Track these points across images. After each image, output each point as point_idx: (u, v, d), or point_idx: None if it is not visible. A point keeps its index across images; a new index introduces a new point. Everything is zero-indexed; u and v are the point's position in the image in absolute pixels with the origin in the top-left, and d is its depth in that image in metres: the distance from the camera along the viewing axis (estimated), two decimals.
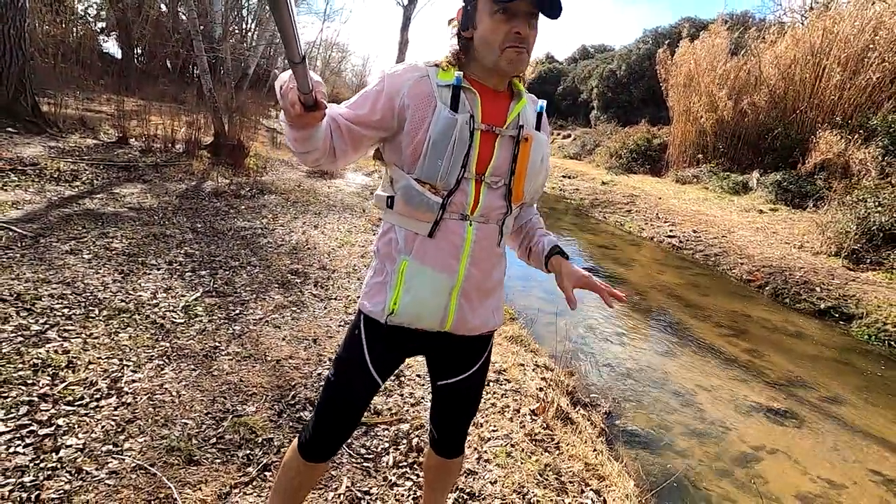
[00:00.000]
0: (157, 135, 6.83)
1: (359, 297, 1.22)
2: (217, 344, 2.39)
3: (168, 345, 2.28)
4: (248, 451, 1.71)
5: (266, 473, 1.63)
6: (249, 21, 19.44)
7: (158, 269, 3.11)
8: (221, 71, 7.80)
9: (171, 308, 2.65)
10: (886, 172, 8.67)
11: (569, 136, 25.95)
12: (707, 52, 14.60)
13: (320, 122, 0.92)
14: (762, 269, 6.74)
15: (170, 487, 1.47)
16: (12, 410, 1.65)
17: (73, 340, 2.13)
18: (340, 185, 7.76)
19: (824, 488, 2.62)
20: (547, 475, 1.87)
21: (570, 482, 1.89)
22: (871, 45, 10.89)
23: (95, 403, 1.78)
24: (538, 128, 1.15)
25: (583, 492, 1.85)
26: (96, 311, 2.43)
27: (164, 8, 16.15)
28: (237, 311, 2.78)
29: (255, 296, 3.03)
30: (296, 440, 1.21)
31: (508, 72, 1.07)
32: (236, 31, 17.31)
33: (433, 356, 1.21)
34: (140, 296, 2.70)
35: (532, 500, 1.71)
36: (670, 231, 8.90)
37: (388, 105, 1.04)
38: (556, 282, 1.16)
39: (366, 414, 2.02)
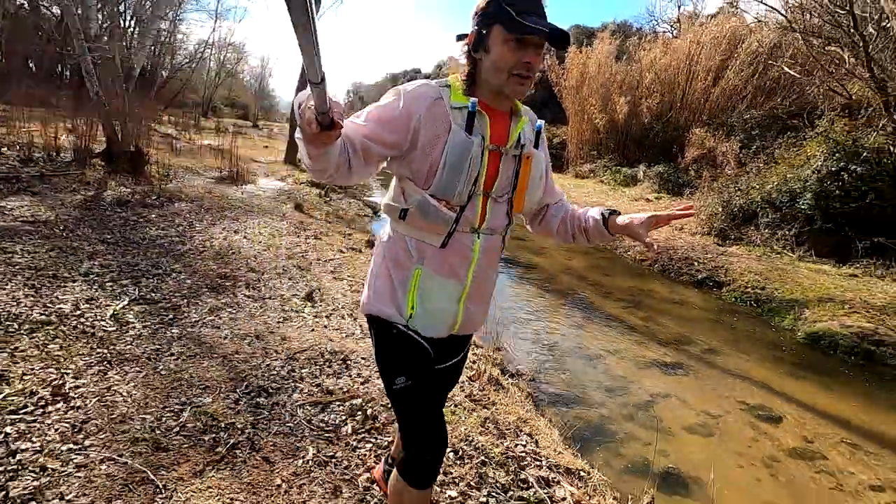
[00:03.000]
0: (34, 143, 6.21)
1: (361, 302, 1.26)
2: (158, 346, 2.39)
3: (105, 351, 2.25)
4: (213, 435, 1.80)
5: (235, 451, 1.74)
6: (128, 18, 17.92)
7: (74, 282, 2.97)
8: (100, 72, 7.19)
9: (99, 318, 2.58)
10: (743, 162, 10.24)
11: None
12: (596, 58, 16.11)
13: (336, 141, 0.94)
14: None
15: (144, 471, 1.54)
16: None
17: None
18: (253, 191, 7.57)
19: (706, 419, 3.21)
20: (487, 426, 2.17)
21: (507, 430, 2.21)
22: (731, 56, 12.80)
23: (42, 410, 1.77)
24: (536, 145, 1.23)
25: (518, 436, 2.18)
26: (15, 326, 2.32)
27: (22, 1, 14.40)
28: (171, 317, 2.77)
29: (186, 301, 3.02)
30: (394, 476, 1.20)
31: (510, 97, 1.14)
32: (118, 29, 15.89)
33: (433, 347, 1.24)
34: (60, 308, 2.60)
35: (477, 445, 2.00)
36: None
37: (405, 125, 1.09)
38: (630, 238, 1.22)
39: (319, 394, 2.19)
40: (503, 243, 1.25)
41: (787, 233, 7.67)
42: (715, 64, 13.06)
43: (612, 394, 3.41)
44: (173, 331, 2.60)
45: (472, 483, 1.80)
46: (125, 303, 2.82)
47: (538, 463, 2.03)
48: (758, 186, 8.50)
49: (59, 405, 1.81)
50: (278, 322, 2.98)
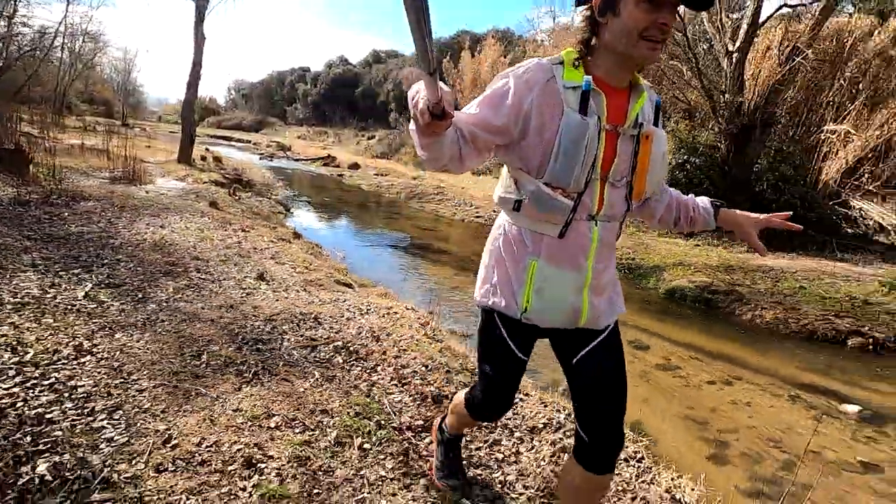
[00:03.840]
0: None
1: (474, 294, 1.30)
2: (146, 316, 2.69)
3: (100, 321, 2.52)
4: (235, 368, 2.24)
5: (259, 376, 2.20)
6: None
7: (24, 272, 3.06)
8: None
9: (73, 298, 2.77)
10: None
11: (373, 136, 27.38)
12: (486, 62, 17.52)
13: (448, 131, 0.95)
14: None
15: (197, 388, 1.96)
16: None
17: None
18: (156, 190, 7.39)
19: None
20: (444, 351, 2.84)
21: (457, 355, 2.89)
22: None
23: (76, 361, 2.06)
24: (656, 122, 1.17)
25: (468, 358, 2.87)
26: None
27: None
28: (141, 296, 3.02)
29: (147, 284, 3.25)
30: (462, 396, 1.47)
31: (639, 63, 1.08)
32: None
33: (560, 337, 1.24)
34: (29, 292, 2.74)
35: (439, 363, 2.65)
36: (476, 213, 10.79)
37: (516, 109, 1.07)
38: (737, 234, 1.26)
39: (304, 341, 2.68)
40: (620, 230, 1.22)
41: None
42: None
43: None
44: (150, 306, 2.88)
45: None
46: (89, 287, 3.00)
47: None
48: None
49: (86, 358, 2.12)
50: (243, 296, 3.34)
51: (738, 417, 3.29)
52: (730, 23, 8.93)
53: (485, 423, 2.05)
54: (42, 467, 1.40)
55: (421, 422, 2.05)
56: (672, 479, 2.01)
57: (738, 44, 8.40)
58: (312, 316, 3.10)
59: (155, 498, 1.38)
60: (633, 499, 1.82)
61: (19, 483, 1.34)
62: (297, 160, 20.14)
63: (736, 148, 8.91)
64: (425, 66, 0.75)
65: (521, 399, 2.42)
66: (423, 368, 2.55)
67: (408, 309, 3.93)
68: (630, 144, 1.11)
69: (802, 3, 8.69)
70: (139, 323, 2.58)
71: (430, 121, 0.87)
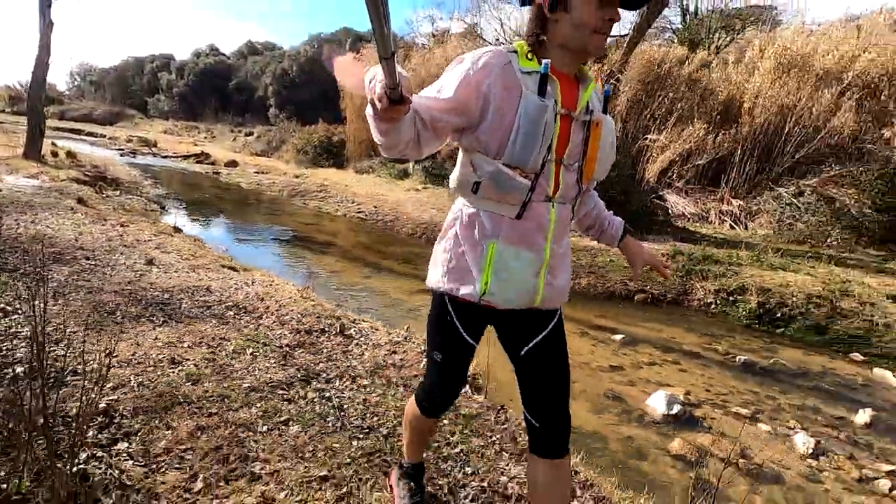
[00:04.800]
0: None
1: (427, 278, 1.34)
2: (54, 290, 3.21)
3: (12, 293, 3.01)
4: (146, 319, 2.93)
5: (169, 320, 2.92)
6: None
7: None
8: None
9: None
10: None
11: (251, 133, 26.63)
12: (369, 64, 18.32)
13: (406, 116, 0.97)
14: (420, 226, 10.09)
15: (121, 330, 2.65)
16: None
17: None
18: (9, 189, 7.16)
19: None
20: (317, 306, 3.73)
21: (327, 309, 3.80)
22: None
23: (7, 319, 2.62)
24: (605, 111, 1.24)
25: (335, 311, 3.79)
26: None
27: None
28: (39, 277, 3.47)
29: (41, 268, 3.67)
30: (411, 400, 1.52)
31: (591, 55, 1.16)
32: None
33: (509, 326, 1.30)
34: None
35: (312, 312, 3.54)
36: (358, 209, 11.64)
37: (475, 92, 1.11)
38: (628, 260, 1.44)
39: (200, 302, 3.41)
40: (572, 213, 1.29)
41: None
42: None
43: (393, 308, 5.30)
44: (53, 284, 3.37)
45: None
46: None
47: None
48: None
49: (13, 317, 2.67)
50: (138, 276, 3.91)
51: None
52: None
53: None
54: (19, 369, 2.07)
55: (296, 343, 2.95)
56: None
57: None
58: (204, 287, 3.80)
59: (114, 379, 2.13)
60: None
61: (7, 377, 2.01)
62: (165, 157, 19.14)
63: None
64: (383, 51, 0.75)
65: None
66: (299, 315, 3.44)
67: (288, 283, 4.75)
68: (581, 131, 1.20)
69: (620, 36, 10.85)
70: (48, 295, 3.11)
71: (388, 106, 0.90)
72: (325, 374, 2.60)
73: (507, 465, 2.03)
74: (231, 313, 3.33)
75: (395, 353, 3.05)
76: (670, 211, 11.89)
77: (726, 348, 4.98)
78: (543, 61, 1.13)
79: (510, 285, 1.20)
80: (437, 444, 2.11)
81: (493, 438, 2.22)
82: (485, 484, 1.88)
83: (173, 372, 2.31)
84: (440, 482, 1.87)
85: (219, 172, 16.23)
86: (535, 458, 1.31)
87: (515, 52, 1.17)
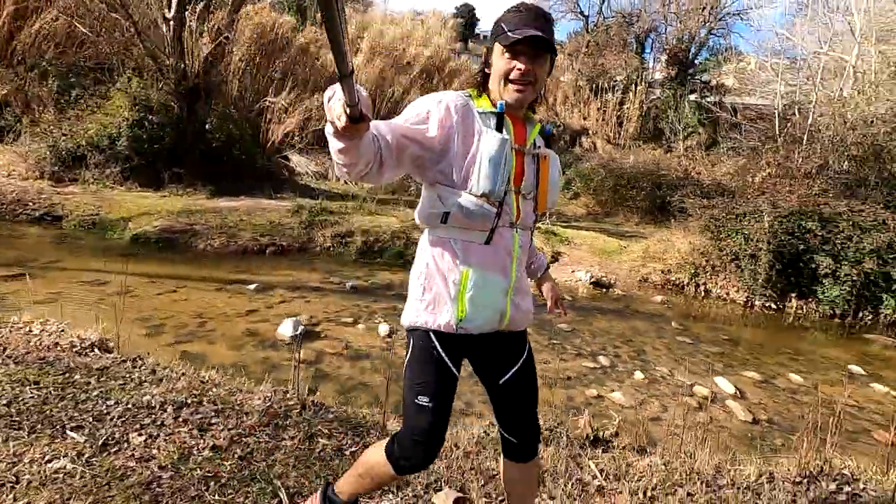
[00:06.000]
0: None
1: (403, 318, 1.38)
2: None
3: None
4: None
5: None
6: None
7: None
8: None
9: None
10: (63, 107, 11.22)
11: None
12: None
13: (364, 134, 0.99)
14: None
15: None
16: None
17: None
18: None
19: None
20: None
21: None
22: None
23: None
24: (548, 147, 1.42)
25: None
26: None
27: None
28: None
29: None
30: (381, 450, 1.35)
31: (513, 105, 1.29)
32: None
33: (485, 356, 1.41)
34: None
35: None
36: None
37: (444, 125, 1.24)
38: (542, 293, 1.67)
39: None
40: (531, 240, 1.45)
41: (114, 171, 9.67)
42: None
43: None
44: None
45: None
46: None
47: None
48: (82, 131, 9.89)
49: None
50: None
51: (177, 307, 4.76)
52: None
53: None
54: None
55: None
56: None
57: (172, 12, 9.63)
58: None
59: None
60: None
61: None
62: None
63: (189, 108, 10.38)
64: (342, 68, 0.75)
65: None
66: None
67: None
68: (532, 163, 1.35)
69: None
70: None
71: (347, 124, 0.91)
72: None
73: None
74: None
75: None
76: (295, 170, 13.04)
77: (340, 279, 6.34)
78: (499, 102, 1.28)
79: (482, 310, 1.29)
80: None
81: None
82: None
83: None
84: None
85: None
86: (510, 463, 1.47)
87: (469, 95, 1.34)
